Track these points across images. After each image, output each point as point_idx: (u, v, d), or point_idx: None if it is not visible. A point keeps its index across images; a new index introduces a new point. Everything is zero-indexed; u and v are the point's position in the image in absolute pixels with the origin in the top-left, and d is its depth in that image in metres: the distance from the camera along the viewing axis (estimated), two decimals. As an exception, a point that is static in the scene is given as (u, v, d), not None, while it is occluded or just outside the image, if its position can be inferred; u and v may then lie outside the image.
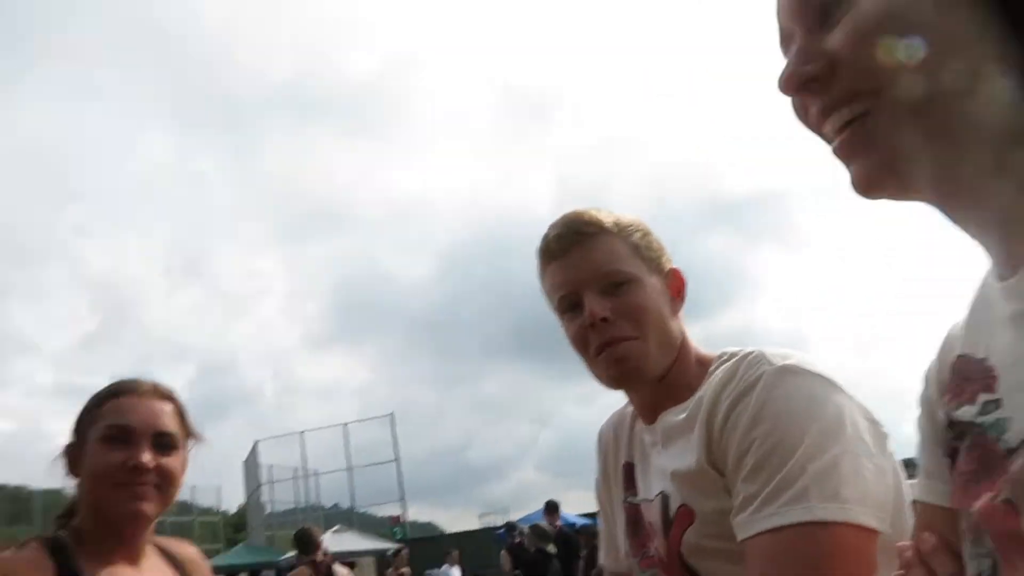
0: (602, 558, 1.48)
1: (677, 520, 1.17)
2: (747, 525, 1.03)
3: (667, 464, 1.21)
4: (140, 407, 1.44)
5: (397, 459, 30.33)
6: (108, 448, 1.39)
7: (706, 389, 1.18)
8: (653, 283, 1.27)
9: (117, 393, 1.46)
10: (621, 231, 1.28)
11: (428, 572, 18.77)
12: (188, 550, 1.62)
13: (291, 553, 21.04)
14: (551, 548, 8.13)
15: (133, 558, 1.42)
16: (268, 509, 31.91)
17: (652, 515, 1.24)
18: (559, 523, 9.61)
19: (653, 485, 1.26)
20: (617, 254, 1.26)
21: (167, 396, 1.50)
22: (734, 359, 1.18)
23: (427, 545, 26.73)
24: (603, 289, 1.24)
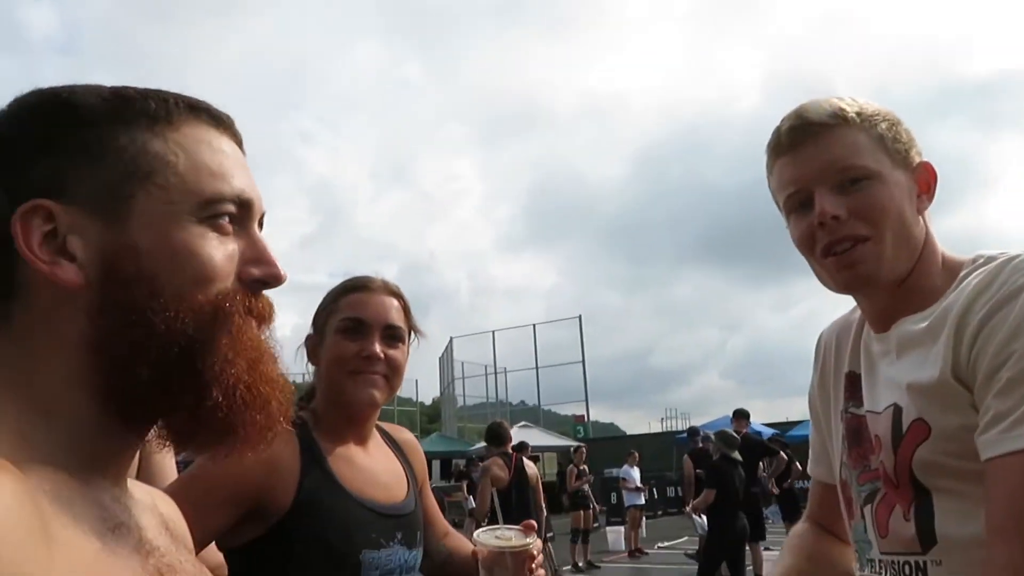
0: (811, 468, 1.43)
1: (910, 435, 1.10)
2: (995, 444, 0.96)
3: (901, 375, 1.13)
4: (373, 302, 1.56)
5: (583, 360, 31.16)
6: (344, 339, 1.53)
7: (956, 296, 1.08)
8: (897, 179, 1.15)
9: (352, 289, 1.59)
10: (864, 121, 1.16)
11: (607, 471, 19.39)
12: (407, 435, 1.78)
13: (480, 444, 22.46)
14: (736, 455, 8.08)
15: (361, 439, 1.58)
16: (459, 403, 34.14)
17: (879, 428, 1.16)
18: (746, 431, 9.51)
19: (882, 397, 1.18)
20: (857, 147, 1.15)
21: (395, 293, 1.62)
22: (994, 263, 1.07)
23: (607, 445, 27.51)
24: (837, 186, 1.14)
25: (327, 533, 1.37)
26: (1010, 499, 0.93)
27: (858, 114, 1.16)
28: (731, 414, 9.86)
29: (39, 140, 0.65)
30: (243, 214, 0.71)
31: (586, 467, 13.26)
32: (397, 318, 1.57)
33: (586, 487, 12.96)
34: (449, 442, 27.98)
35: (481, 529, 1.57)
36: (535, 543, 1.53)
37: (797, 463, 11.67)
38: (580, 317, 31.86)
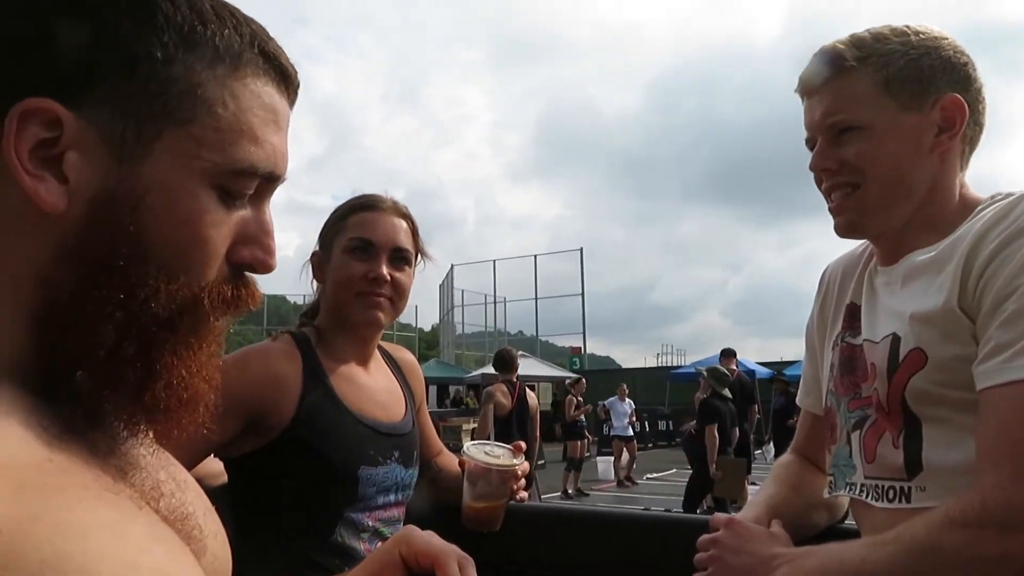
0: (800, 398, 1.45)
1: (906, 364, 1.11)
2: (992, 374, 0.97)
3: (903, 305, 1.14)
4: (381, 222, 1.55)
5: (582, 293, 31.35)
6: (351, 259, 1.53)
7: (968, 228, 1.09)
8: (899, 124, 1.14)
9: (361, 207, 1.57)
10: (871, 64, 1.15)
11: (600, 403, 19.68)
12: (407, 355, 1.80)
13: (476, 371, 22.71)
14: (726, 392, 8.20)
15: (363, 358, 1.60)
16: (458, 330, 34.40)
17: (876, 356, 1.17)
18: (735, 369, 9.63)
19: (881, 326, 1.19)
20: (852, 97, 1.16)
21: (404, 214, 1.60)
22: (1010, 198, 1.08)
23: (602, 377, 27.84)
24: (832, 138, 1.18)
25: (326, 448, 1.41)
26: (1004, 427, 0.95)
27: (864, 57, 1.15)
28: (720, 352, 9.93)
29: (80, 12, 0.54)
30: (264, 188, 0.63)
31: (582, 398, 13.47)
32: (405, 240, 1.57)
33: (583, 418, 13.19)
34: (447, 368, 28.33)
35: (472, 443, 1.61)
36: (522, 464, 1.58)
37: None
38: (581, 250, 31.97)
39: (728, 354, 9.68)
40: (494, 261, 34.59)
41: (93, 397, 0.58)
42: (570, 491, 12.21)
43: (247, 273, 0.64)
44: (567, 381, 13.66)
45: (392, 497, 1.51)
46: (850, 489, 1.21)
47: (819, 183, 1.23)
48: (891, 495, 1.12)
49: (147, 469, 0.63)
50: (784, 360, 24.96)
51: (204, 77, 0.57)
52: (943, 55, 1.15)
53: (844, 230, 1.22)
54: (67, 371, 0.57)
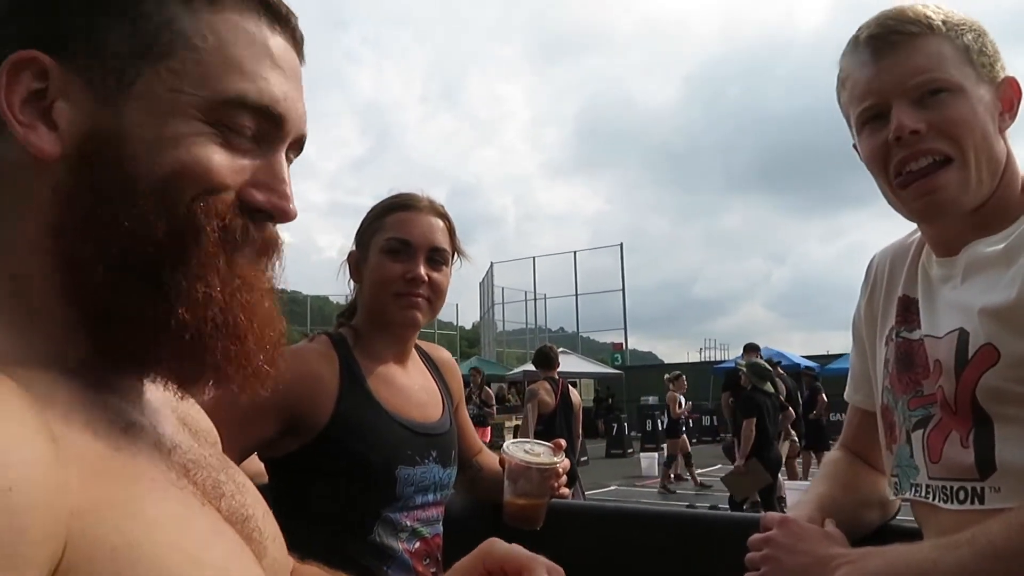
0: (848, 394, 1.40)
1: (976, 360, 1.05)
2: None
3: (970, 299, 1.08)
4: (419, 222, 1.55)
5: (623, 288, 31.21)
6: (389, 260, 1.53)
7: None
8: (981, 94, 1.09)
9: (398, 207, 1.58)
10: (951, 30, 1.09)
11: (643, 399, 19.57)
12: (444, 354, 1.81)
13: (518, 368, 22.73)
14: (768, 387, 8.09)
15: (401, 358, 1.60)
16: (499, 328, 34.53)
17: (940, 353, 1.12)
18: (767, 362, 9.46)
19: (943, 321, 1.13)
20: (942, 57, 1.08)
21: (441, 213, 1.60)
22: None
23: (644, 373, 27.68)
24: (918, 99, 1.08)
25: (363, 448, 1.41)
26: None
27: (944, 22, 1.10)
28: (743, 347, 9.73)
29: None
30: (270, 131, 0.62)
31: (683, 395, 12.92)
32: (442, 240, 1.56)
33: (684, 414, 12.78)
34: (487, 365, 28.39)
35: (511, 441, 1.61)
36: (562, 462, 1.57)
37: (823, 395, 11.66)
38: (621, 245, 31.84)
39: (751, 348, 9.49)
40: (534, 258, 34.69)
41: (124, 344, 0.58)
42: (669, 485, 11.98)
43: (267, 223, 0.63)
44: (666, 376, 13.37)
45: (430, 497, 1.50)
46: (915, 491, 1.16)
47: (884, 158, 1.12)
48: (961, 496, 1.07)
49: (209, 469, 0.64)
50: (830, 353, 24.53)
51: (177, 12, 0.58)
52: (992, 39, 1.13)
53: (937, 210, 1.11)
54: (89, 314, 0.57)
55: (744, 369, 8.33)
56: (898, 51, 1.10)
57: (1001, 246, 1.07)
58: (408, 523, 1.46)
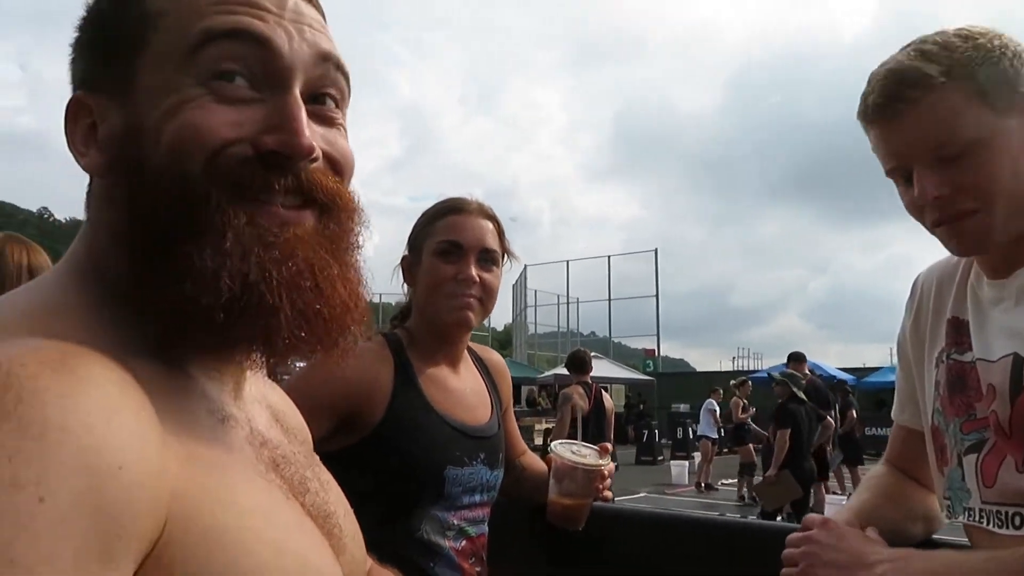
0: (895, 413, 1.38)
1: None
2: None
3: (1022, 323, 1.08)
4: (469, 225, 1.59)
5: (656, 294, 30.97)
6: (441, 262, 1.57)
7: None
8: (1005, 130, 1.05)
9: (449, 211, 1.62)
10: (957, 76, 1.04)
11: (674, 406, 19.44)
12: (496, 357, 1.84)
13: (549, 372, 22.66)
14: (802, 395, 7.99)
15: (452, 360, 1.64)
16: (530, 330, 34.52)
17: (994, 377, 1.10)
18: (808, 373, 9.29)
19: (996, 345, 1.11)
20: (952, 115, 1.04)
21: (491, 216, 1.64)
22: None
23: (676, 381, 27.48)
24: (937, 161, 1.06)
25: (414, 448, 1.45)
26: None
27: (949, 70, 1.04)
28: (787, 356, 9.53)
29: (84, 31, 0.64)
30: (264, 70, 0.60)
31: (746, 400, 12.88)
32: (492, 242, 1.60)
33: (750, 421, 12.64)
34: (519, 368, 28.41)
35: (559, 441, 1.64)
36: (608, 465, 1.61)
37: (854, 411, 11.44)
38: (656, 250, 31.62)
39: (797, 358, 9.29)
40: (567, 262, 34.66)
41: (179, 330, 0.58)
42: (744, 495, 11.79)
43: (290, 166, 0.60)
44: (732, 382, 13.16)
45: (477, 497, 1.54)
46: (968, 515, 1.15)
47: (919, 214, 1.11)
48: (1017, 522, 1.06)
49: (296, 465, 0.67)
50: (867, 366, 24.11)
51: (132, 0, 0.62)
52: (1012, 51, 1.07)
53: (967, 252, 1.15)
54: (159, 313, 0.58)
55: (776, 378, 8.24)
56: (904, 119, 1.07)
57: None
58: (455, 522, 1.50)
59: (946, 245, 1.13)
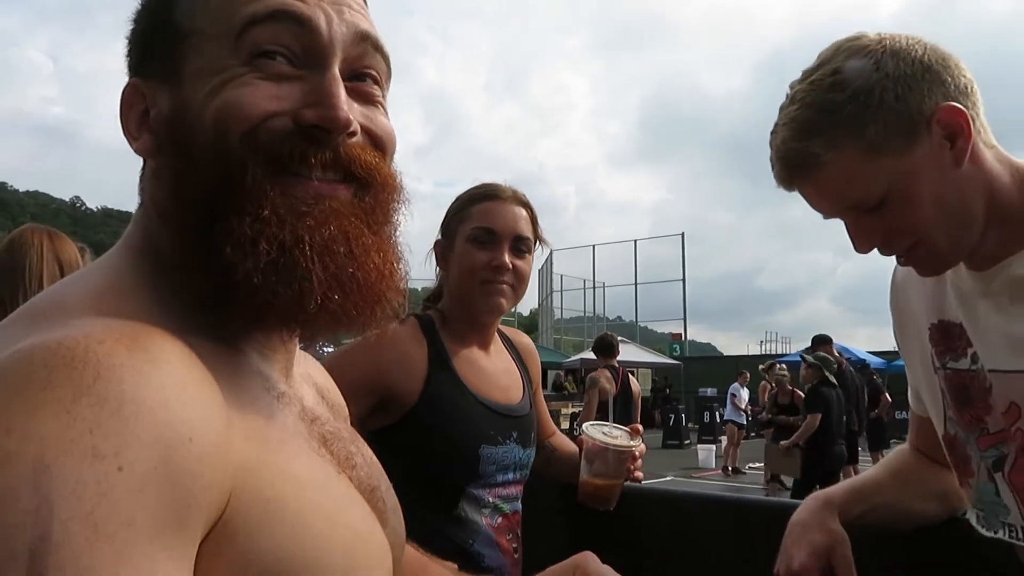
0: (911, 402, 1.37)
1: None
2: None
3: None
4: (503, 212, 1.62)
5: (683, 278, 30.82)
6: (475, 248, 1.60)
7: None
8: (915, 166, 1.00)
9: (483, 197, 1.64)
10: (844, 143, 1.00)
11: (700, 390, 19.38)
12: (525, 339, 1.88)
13: (575, 356, 22.66)
14: (832, 378, 7.93)
15: (484, 342, 1.68)
16: (556, 315, 34.53)
17: (1015, 393, 1.06)
18: (839, 355, 9.16)
19: (1006, 355, 1.07)
20: (850, 180, 1.01)
21: (524, 203, 1.66)
22: None
23: (703, 365, 27.37)
24: (861, 214, 1.05)
25: (449, 427, 1.49)
26: None
27: (832, 139, 1.01)
28: (811, 339, 9.36)
29: (137, 21, 0.67)
30: (307, 48, 0.62)
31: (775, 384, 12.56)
32: (525, 228, 1.62)
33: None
34: (546, 353, 28.42)
35: (591, 423, 1.67)
36: (639, 446, 1.63)
37: (887, 395, 11.32)
38: (683, 234, 31.44)
39: (823, 340, 9.10)
40: (593, 246, 34.60)
41: (225, 305, 0.60)
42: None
43: (330, 139, 0.62)
44: (760, 366, 12.99)
45: (511, 475, 1.57)
46: (1010, 532, 1.14)
47: (865, 252, 1.10)
48: None
49: (343, 441, 0.70)
50: (897, 349, 23.79)
51: None
52: (895, 74, 1.00)
53: (930, 275, 1.12)
54: (198, 282, 0.60)
55: (808, 360, 8.17)
56: (808, 191, 1.07)
57: None
58: (490, 499, 1.53)
59: (915, 271, 1.12)
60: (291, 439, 0.61)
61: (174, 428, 0.47)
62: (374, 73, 0.67)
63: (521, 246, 1.61)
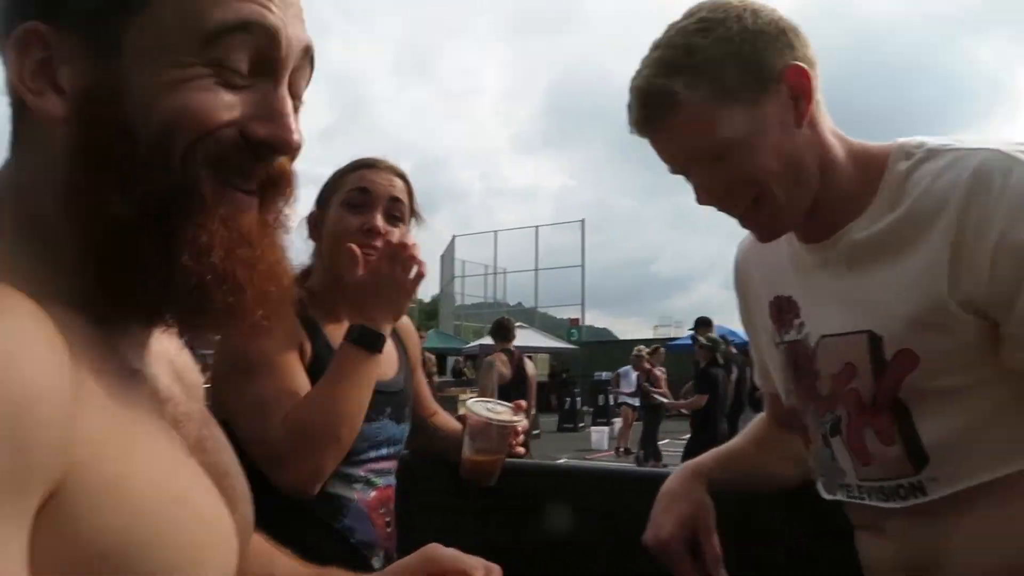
0: (759, 381, 1.44)
1: (895, 365, 1.04)
2: None
3: (866, 294, 1.07)
4: (379, 177, 1.60)
5: (582, 265, 31.32)
6: (347, 212, 1.56)
7: (920, 201, 1.03)
8: (761, 118, 1.05)
9: (359, 166, 1.62)
10: (702, 82, 1.04)
11: (596, 374, 19.78)
12: (403, 319, 1.81)
13: (475, 342, 22.71)
14: (720, 359, 8.31)
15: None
16: (458, 301, 34.48)
17: (850, 354, 1.09)
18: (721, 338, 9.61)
19: (838, 318, 1.11)
20: (703, 124, 1.05)
21: (401, 174, 1.64)
22: (949, 157, 1.02)
23: (599, 349, 27.97)
24: (704, 163, 1.08)
25: None
26: None
27: (693, 79, 1.04)
28: (694, 322, 9.85)
29: None
30: (266, 59, 0.61)
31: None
32: (401, 194, 1.60)
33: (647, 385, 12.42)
34: (446, 338, 28.42)
35: (473, 399, 1.68)
36: (522, 421, 1.64)
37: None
38: (583, 221, 31.90)
39: (705, 323, 9.63)
40: (495, 232, 34.66)
41: (131, 292, 0.59)
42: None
43: (274, 157, 0.63)
44: (635, 349, 13.01)
45: (384, 451, 1.55)
46: (845, 491, 1.19)
47: (707, 204, 1.13)
48: (902, 493, 1.09)
49: (195, 423, 0.69)
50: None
51: None
52: (766, 29, 1.05)
53: (768, 238, 1.16)
54: (105, 270, 0.59)
55: (704, 341, 8.49)
56: (660, 134, 1.10)
57: (878, 228, 1.07)
58: (362, 473, 1.51)
59: (754, 234, 1.18)
60: (142, 417, 0.59)
61: (19, 386, 0.45)
62: (304, 85, 0.67)
63: (396, 212, 1.58)
